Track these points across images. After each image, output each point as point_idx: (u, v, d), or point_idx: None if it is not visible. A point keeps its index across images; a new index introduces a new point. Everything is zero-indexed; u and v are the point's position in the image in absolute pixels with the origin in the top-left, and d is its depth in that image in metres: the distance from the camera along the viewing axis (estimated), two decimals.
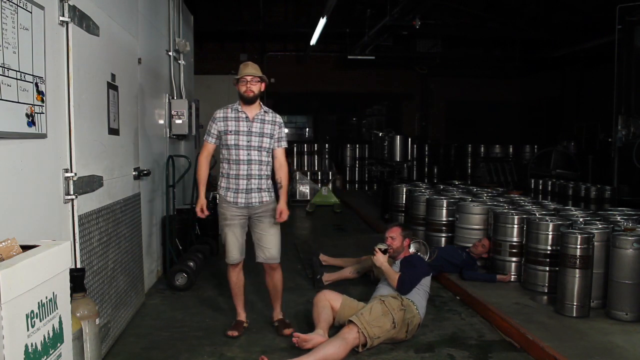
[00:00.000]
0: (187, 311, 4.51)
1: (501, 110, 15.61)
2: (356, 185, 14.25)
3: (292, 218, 9.78)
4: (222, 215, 3.97)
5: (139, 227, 4.43)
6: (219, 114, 3.95)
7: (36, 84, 2.55)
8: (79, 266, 3.00)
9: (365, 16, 10.88)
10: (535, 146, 13.25)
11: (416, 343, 3.87)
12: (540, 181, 8.87)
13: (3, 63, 2.25)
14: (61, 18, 2.90)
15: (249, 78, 3.84)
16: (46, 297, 1.93)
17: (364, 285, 5.22)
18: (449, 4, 11.43)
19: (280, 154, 3.99)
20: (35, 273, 1.87)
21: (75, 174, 3.02)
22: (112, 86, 3.69)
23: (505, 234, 5.14)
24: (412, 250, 4.72)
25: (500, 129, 15.22)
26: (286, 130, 4.34)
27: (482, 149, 13.76)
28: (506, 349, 3.81)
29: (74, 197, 3.01)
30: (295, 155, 13.26)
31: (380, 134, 10.76)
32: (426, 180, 12.34)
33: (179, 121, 5.90)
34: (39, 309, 1.87)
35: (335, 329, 3.88)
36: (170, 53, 6.00)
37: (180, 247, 5.65)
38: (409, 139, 10.18)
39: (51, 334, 1.96)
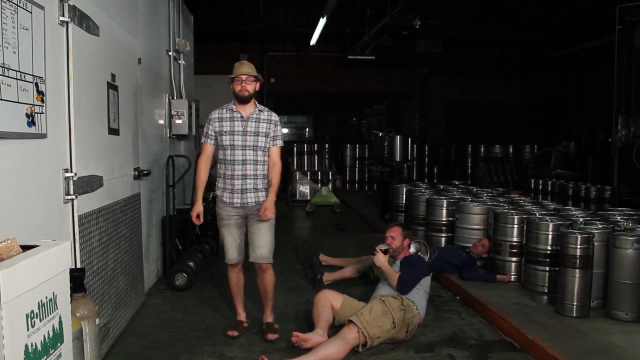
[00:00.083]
0: (187, 311, 4.51)
1: (501, 110, 15.62)
2: (356, 185, 14.24)
3: (292, 218, 9.82)
4: (219, 215, 3.96)
5: (139, 227, 4.43)
6: (214, 114, 3.93)
7: (36, 84, 2.55)
8: (79, 266, 3.00)
9: (365, 16, 10.88)
10: (535, 146, 13.25)
11: (416, 343, 3.87)
12: (540, 181, 8.86)
13: (3, 63, 2.25)
14: (61, 18, 2.90)
15: (244, 77, 3.81)
16: (46, 297, 1.93)
17: (364, 285, 5.22)
18: (449, 4, 11.43)
19: (274, 152, 3.92)
20: (35, 273, 1.87)
21: (75, 174, 3.02)
22: (112, 86, 3.69)
23: (505, 234, 5.14)
24: (412, 250, 4.73)
25: (500, 129, 15.22)
26: (285, 130, 4.33)
27: (482, 149, 13.76)
28: (506, 349, 3.81)
29: (74, 197, 3.01)
30: (295, 155, 13.23)
31: (380, 134, 10.76)
32: (426, 180, 12.34)
33: (179, 121, 5.91)
34: (39, 309, 1.87)
35: (335, 328, 3.88)
36: (170, 53, 6.00)
37: (180, 247, 5.65)
38: (409, 139, 10.18)
39: (51, 334, 1.96)
